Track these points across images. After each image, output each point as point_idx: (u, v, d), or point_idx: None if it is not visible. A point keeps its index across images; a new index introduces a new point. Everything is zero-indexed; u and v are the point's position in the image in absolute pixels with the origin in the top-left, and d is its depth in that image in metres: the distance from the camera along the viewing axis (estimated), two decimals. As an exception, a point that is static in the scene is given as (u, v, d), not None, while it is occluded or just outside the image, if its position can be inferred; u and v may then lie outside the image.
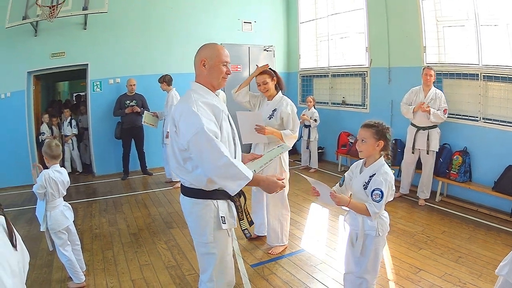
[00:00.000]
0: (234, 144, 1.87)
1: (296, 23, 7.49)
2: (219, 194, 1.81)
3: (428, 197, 4.54)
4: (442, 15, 4.88)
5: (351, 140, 6.02)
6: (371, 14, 5.82)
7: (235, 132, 1.90)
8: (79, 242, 2.92)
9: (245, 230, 1.97)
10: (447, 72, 4.74)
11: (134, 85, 5.68)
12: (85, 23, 5.77)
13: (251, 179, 1.70)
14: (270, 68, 3.20)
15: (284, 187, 1.88)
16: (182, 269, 3.00)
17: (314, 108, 6.19)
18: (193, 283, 2.78)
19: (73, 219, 2.82)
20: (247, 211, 1.94)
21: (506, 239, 3.44)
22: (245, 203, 1.93)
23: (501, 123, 4.22)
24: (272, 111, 3.16)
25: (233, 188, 1.69)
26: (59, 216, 2.68)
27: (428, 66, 4.61)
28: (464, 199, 4.51)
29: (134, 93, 5.71)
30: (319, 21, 6.93)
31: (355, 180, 2.18)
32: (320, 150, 6.71)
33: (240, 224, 1.92)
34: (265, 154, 2.21)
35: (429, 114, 4.30)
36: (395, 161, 4.87)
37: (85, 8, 5.33)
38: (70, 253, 2.74)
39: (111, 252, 3.28)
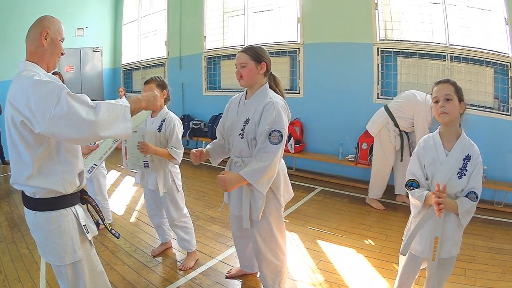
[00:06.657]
0: None
1: (120, 24, 8.54)
2: (75, 198, 1.47)
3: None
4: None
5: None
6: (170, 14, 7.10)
7: None
8: None
9: (112, 230, 1.66)
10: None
11: None
12: None
13: (129, 104, 1.38)
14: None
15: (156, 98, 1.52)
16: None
17: (125, 96, 7.15)
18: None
19: None
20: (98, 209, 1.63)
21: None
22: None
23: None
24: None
25: (126, 127, 1.34)
26: None
27: None
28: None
29: None
30: (141, 20, 8.03)
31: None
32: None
33: (105, 226, 1.62)
34: (101, 144, 1.85)
35: None
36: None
37: None
38: None
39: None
